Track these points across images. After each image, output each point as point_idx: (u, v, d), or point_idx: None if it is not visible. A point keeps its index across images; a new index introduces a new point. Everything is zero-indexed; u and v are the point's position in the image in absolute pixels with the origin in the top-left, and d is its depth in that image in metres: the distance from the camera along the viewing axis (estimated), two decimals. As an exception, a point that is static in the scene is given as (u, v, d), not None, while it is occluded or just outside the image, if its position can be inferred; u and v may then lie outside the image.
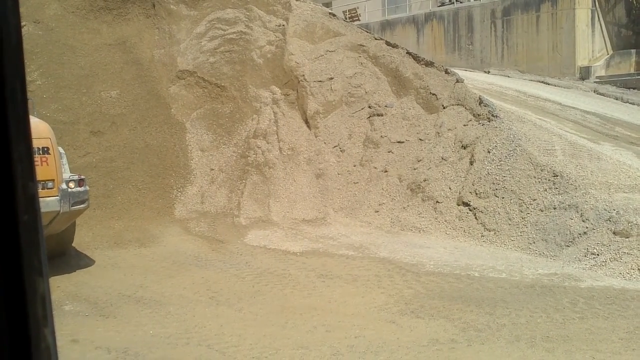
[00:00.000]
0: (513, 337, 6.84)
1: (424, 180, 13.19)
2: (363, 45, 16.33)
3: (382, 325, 7.35)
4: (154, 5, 16.59)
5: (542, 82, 23.44)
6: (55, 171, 9.52)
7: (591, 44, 24.49)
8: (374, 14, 33.40)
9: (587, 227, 10.31)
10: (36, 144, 9.03)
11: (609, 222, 10.12)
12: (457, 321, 7.41)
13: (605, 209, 10.39)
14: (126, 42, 16.03)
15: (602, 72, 23.99)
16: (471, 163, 12.90)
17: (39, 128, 9.52)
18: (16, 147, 1.15)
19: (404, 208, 13.06)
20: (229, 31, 16.28)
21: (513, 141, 12.73)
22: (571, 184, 11.26)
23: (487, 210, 11.84)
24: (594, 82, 23.30)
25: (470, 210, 12.13)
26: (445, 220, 12.30)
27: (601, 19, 24.65)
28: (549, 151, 12.53)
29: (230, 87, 15.63)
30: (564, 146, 12.90)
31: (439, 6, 30.41)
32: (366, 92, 15.40)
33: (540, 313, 7.58)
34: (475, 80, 19.36)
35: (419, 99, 14.99)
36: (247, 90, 15.60)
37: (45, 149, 9.41)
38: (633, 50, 24.21)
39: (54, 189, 9.50)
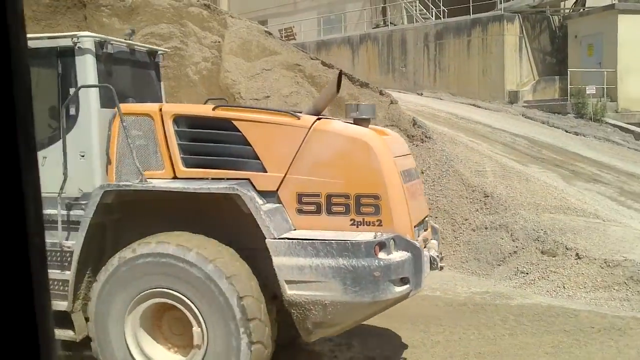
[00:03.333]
0: (447, 354, 6.92)
1: (359, 200, 13.26)
2: (299, 65, 16.39)
3: (318, 342, 7.29)
4: (85, 18, 16.20)
5: (473, 105, 24.08)
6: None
7: (519, 69, 25.39)
8: (309, 33, 33.67)
9: (516, 247, 10.58)
10: (406, 164, 6.24)
11: (537, 241, 10.42)
12: (392, 338, 7.44)
13: (533, 229, 10.69)
14: (56, 55, 15.57)
15: (529, 97, 24.87)
16: (405, 183, 13.06)
17: (400, 141, 6.73)
18: (28, 173, 1.18)
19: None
20: (163, 46, 16.04)
21: (446, 162, 12.99)
22: (501, 205, 11.55)
23: (421, 230, 12.00)
24: (522, 106, 24.12)
25: (404, 229, 12.25)
26: (380, 239, 12.38)
27: (528, 46, 25.61)
28: (480, 172, 12.84)
29: (164, 103, 15.38)
30: (495, 168, 13.24)
31: (373, 28, 30.93)
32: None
33: (473, 330, 7.70)
34: (408, 102, 19.72)
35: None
36: (182, 106, 15.38)
37: (413, 173, 6.39)
38: (557, 77, 25.24)
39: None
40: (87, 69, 6.08)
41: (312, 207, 5.57)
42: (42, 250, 1.21)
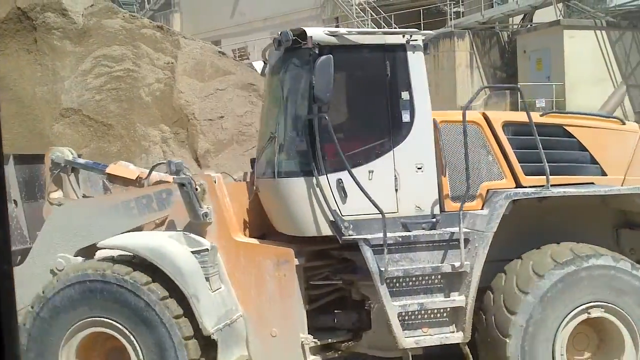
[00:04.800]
0: None
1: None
2: (253, 84, 16.45)
3: None
4: (35, 41, 15.98)
5: (427, 120, 24.39)
6: None
7: (470, 84, 25.90)
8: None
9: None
10: None
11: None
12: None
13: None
14: (5, 79, 15.32)
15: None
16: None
17: None
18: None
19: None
20: (115, 68, 15.93)
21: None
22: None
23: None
24: (474, 120, 24.50)
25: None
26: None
27: (479, 61, 26.17)
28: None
29: (117, 126, 15.23)
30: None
31: (327, 46, 31.14)
32: (257, 131, 15.46)
33: None
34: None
35: (310, 137, 15.20)
36: (135, 129, 15.26)
37: None
38: (507, 91, 25.77)
39: None
40: (421, 69, 5.70)
41: None
42: (9, 277, 1.34)
